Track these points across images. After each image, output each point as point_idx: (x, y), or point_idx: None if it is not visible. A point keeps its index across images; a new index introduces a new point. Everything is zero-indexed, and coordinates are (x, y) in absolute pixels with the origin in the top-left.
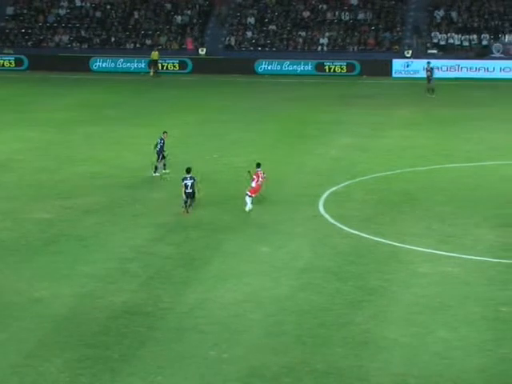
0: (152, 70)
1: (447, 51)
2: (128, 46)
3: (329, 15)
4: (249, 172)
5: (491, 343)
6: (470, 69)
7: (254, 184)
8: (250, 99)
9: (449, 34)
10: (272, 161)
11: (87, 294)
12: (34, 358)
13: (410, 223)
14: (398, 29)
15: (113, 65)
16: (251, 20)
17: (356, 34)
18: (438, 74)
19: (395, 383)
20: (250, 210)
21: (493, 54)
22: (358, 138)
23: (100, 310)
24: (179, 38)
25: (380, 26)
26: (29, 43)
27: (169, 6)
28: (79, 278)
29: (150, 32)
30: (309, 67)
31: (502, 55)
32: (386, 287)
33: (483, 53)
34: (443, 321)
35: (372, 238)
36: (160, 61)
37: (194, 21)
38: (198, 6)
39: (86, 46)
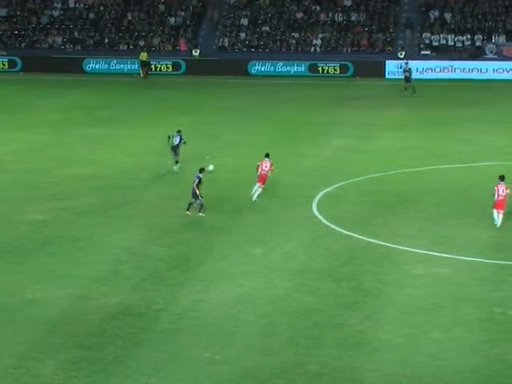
0: (143, 72)
1: (440, 52)
2: (121, 47)
3: (322, 16)
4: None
5: (484, 344)
6: (464, 70)
7: (258, 172)
8: (243, 100)
9: (442, 35)
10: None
11: (81, 296)
12: (28, 360)
13: (404, 224)
14: (391, 30)
15: (106, 66)
16: (244, 21)
17: (349, 35)
18: (431, 75)
19: None
20: (256, 200)
21: (486, 54)
22: (351, 139)
23: (94, 312)
24: (172, 39)
25: (373, 27)
26: (22, 45)
27: (162, 7)
28: (73, 279)
29: (144, 33)
30: (302, 68)
31: (495, 56)
32: (380, 288)
33: (476, 54)
34: (436, 322)
35: (366, 239)
36: (153, 62)
37: (188, 22)
38: (191, 8)
39: (80, 48)
